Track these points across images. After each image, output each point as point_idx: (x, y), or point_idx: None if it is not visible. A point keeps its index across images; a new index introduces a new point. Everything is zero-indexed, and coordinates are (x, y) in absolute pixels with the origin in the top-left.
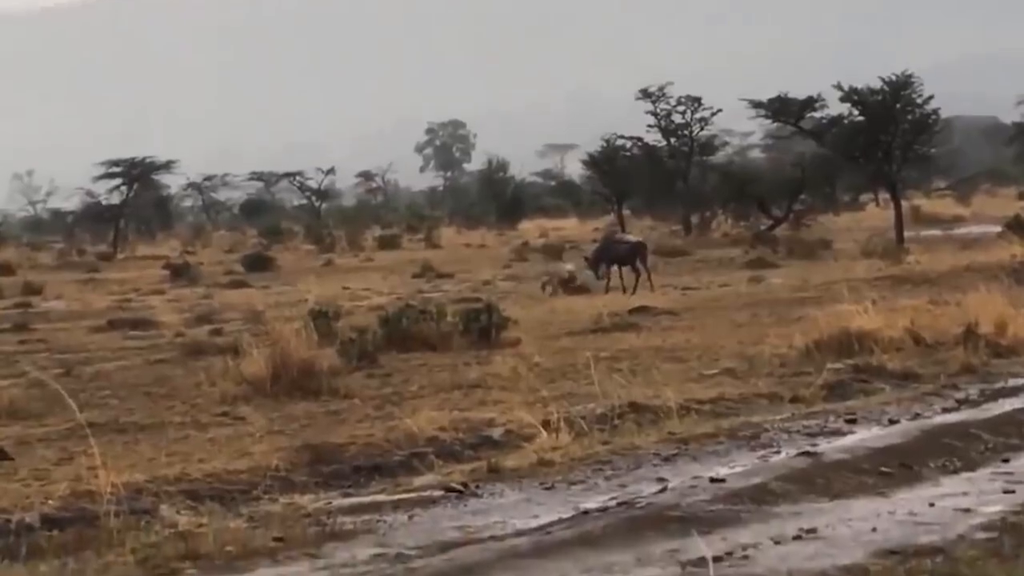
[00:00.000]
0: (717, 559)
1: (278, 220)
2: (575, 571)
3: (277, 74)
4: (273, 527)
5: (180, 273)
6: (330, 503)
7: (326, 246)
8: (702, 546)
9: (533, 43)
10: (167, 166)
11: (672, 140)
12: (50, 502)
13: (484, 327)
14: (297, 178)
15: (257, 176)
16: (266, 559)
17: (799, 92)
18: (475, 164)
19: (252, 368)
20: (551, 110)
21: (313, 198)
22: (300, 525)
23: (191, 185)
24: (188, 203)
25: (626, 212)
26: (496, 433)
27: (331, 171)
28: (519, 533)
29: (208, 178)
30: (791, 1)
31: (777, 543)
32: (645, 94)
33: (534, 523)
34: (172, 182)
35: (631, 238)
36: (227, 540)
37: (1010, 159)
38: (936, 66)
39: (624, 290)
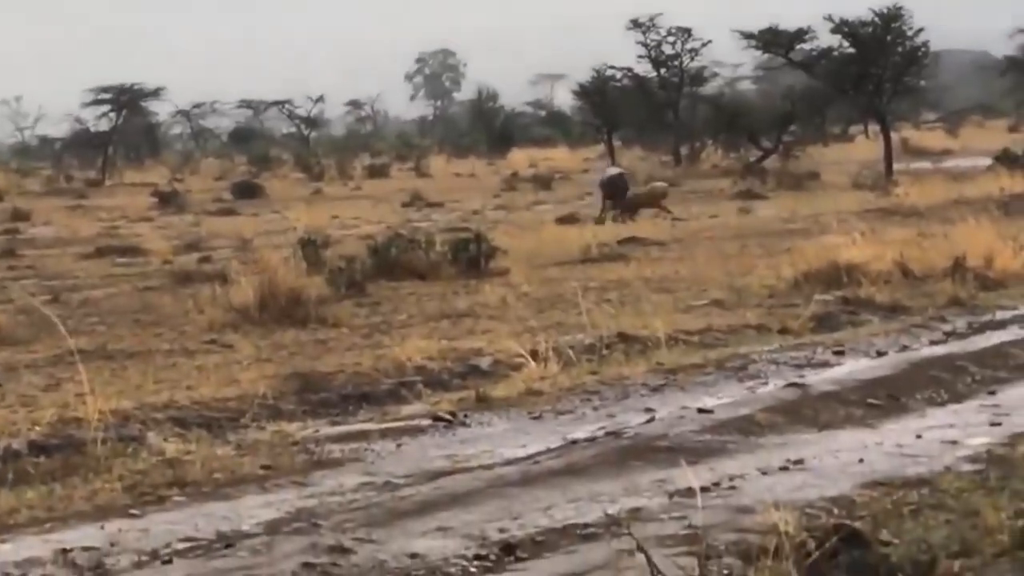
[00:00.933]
0: (704, 489)
1: (267, 148)
2: (562, 500)
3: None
4: (261, 455)
5: (168, 200)
6: (318, 431)
7: (315, 175)
8: (689, 476)
9: None
10: (156, 93)
11: (662, 71)
12: (37, 428)
13: (473, 256)
14: (286, 106)
15: (246, 104)
16: (254, 486)
17: (790, 23)
18: (465, 93)
19: (240, 296)
20: (542, 38)
21: (302, 126)
22: (288, 453)
23: (180, 112)
24: (177, 130)
25: (616, 143)
26: (484, 362)
27: (320, 99)
28: (507, 462)
29: (197, 105)
30: None
31: (764, 474)
32: (635, 24)
33: (522, 452)
34: (161, 109)
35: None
36: (215, 467)
37: (1000, 92)
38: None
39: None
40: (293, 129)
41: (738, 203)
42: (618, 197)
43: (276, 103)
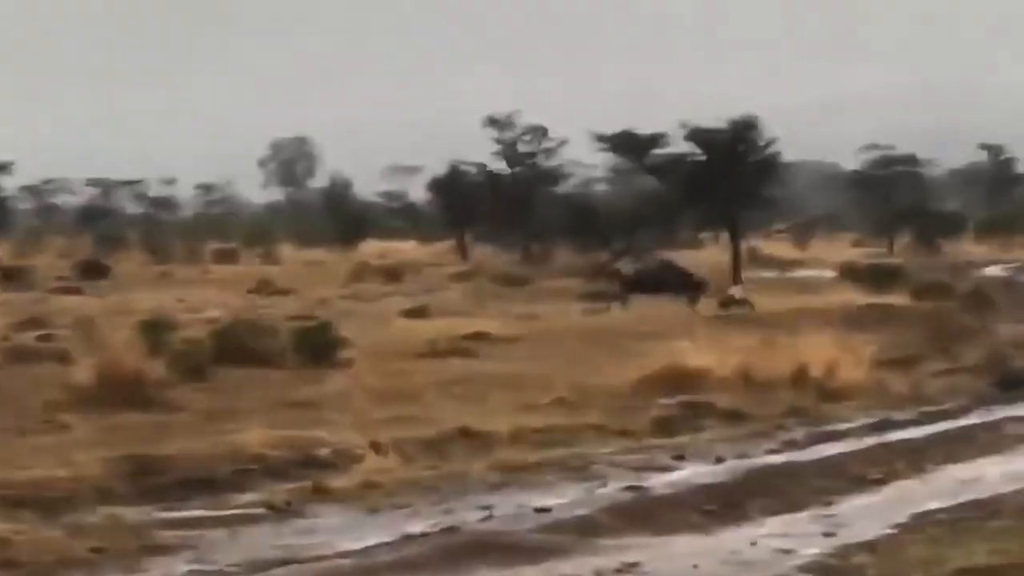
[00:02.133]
0: None
1: (116, 228)
2: None
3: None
4: (92, 537)
5: (12, 277)
6: (152, 516)
7: (163, 257)
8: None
9: (385, 62)
10: (4, 168)
11: (517, 169)
12: None
13: (318, 346)
14: (137, 187)
15: (96, 183)
16: (82, 570)
17: (647, 128)
18: (320, 181)
19: (80, 376)
20: (400, 132)
21: (153, 208)
22: (120, 537)
23: (28, 188)
24: (24, 206)
25: (468, 238)
26: (324, 453)
27: (172, 181)
28: (341, 555)
29: (46, 182)
30: (637, 40)
31: (599, 575)
32: (492, 121)
33: (357, 545)
34: (8, 184)
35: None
36: (44, 549)
37: (848, 205)
38: (779, 110)
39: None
40: (143, 210)
41: (587, 304)
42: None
43: (127, 183)
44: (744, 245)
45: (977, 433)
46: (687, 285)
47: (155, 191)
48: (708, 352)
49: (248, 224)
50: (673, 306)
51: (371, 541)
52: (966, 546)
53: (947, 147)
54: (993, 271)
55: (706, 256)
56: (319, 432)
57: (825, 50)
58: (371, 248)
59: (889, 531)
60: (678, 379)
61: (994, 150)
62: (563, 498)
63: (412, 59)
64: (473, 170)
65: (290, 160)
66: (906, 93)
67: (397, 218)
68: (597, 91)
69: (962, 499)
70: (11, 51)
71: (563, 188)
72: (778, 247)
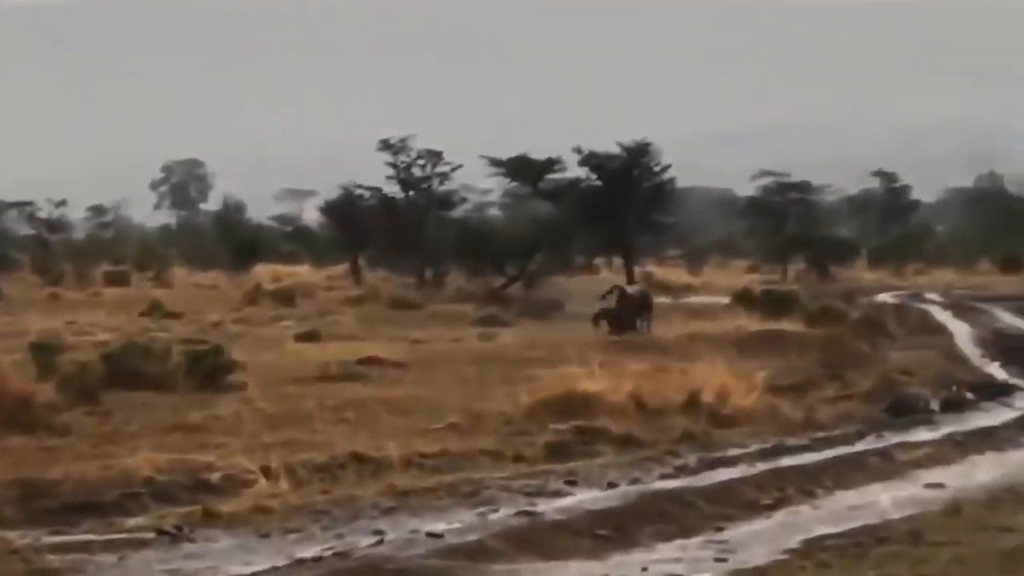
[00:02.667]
0: None
1: (5, 250)
2: None
3: (12, 99)
4: None
5: None
6: (38, 540)
7: (53, 279)
8: None
9: (279, 86)
10: None
11: (411, 193)
12: None
13: (209, 370)
14: (27, 208)
15: None
16: None
17: (540, 153)
18: (212, 204)
19: None
20: (294, 155)
21: (43, 229)
22: (6, 561)
23: None
24: None
25: (361, 262)
26: (214, 477)
27: (62, 203)
28: None
29: None
30: (534, 66)
31: None
32: (386, 145)
33: (247, 570)
34: None
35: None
36: None
37: (742, 232)
38: (674, 139)
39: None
40: (33, 231)
41: (480, 328)
42: (627, 313)
43: (16, 204)
44: (638, 270)
45: (868, 459)
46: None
47: (45, 212)
48: (601, 377)
49: (139, 246)
50: (563, 330)
51: (261, 566)
52: (855, 571)
53: (840, 177)
54: (885, 297)
55: (601, 281)
56: (210, 456)
57: (723, 82)
58: (264, 272)
59: (780, 556)
60: (571, 404)
61: (887, 177)
62: (455, 523)
63: (308, 84)
64: (367, 194)
65: (182, 182)
66: (798, 126)
67: (290, 242)
68: (492, 117)
69: (852, 525)
70: None
71: (457, 212)
72: (672, 273)
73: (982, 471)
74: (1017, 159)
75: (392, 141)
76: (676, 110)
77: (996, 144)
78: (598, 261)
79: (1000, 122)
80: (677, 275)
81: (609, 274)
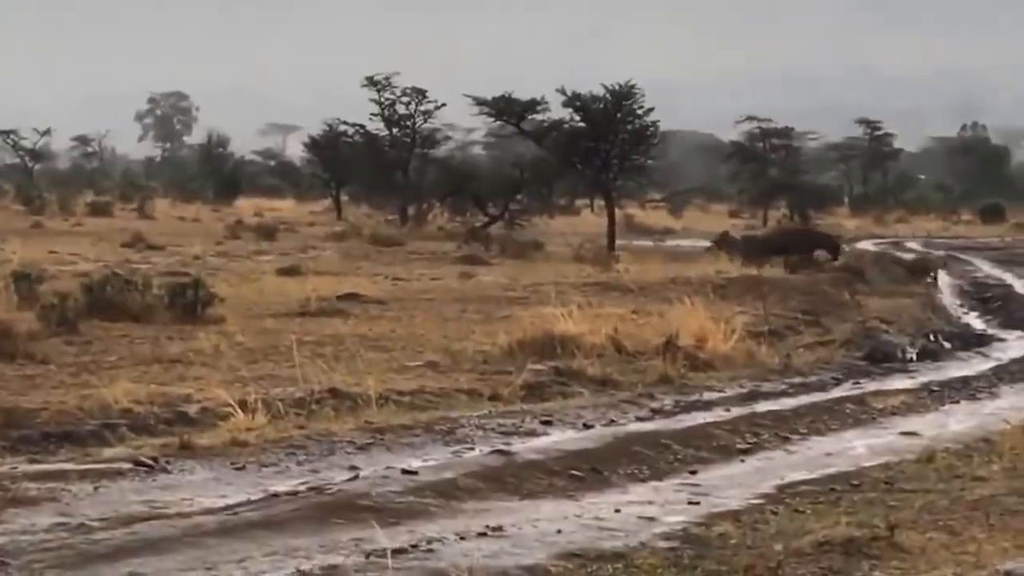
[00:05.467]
0: (402, 551)
1: None
2: (259, 553)
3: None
4: None
5: None
6: (16, 468)
7: (36, 208)
8: (382, 538)
9: (263, 24)
10: None
11: (394, 130)
12: None
13: (190, 302)
14: (11, 136)
15: None
16: None
17: (525, 94)
18: (196, 138)
19: None
20: (279, 90)
21: (26, 158)
22: None
23: None
24: None
25: (344, 198)
26: (192, 409)
27: (47, 132)
28: (206, 511)
29: None
30: (522, 6)
31: (462, 539)
32: (371, 82)
33: (222, 502)
34: None
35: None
36: None
37: (724, 176)
38: (659, 83)
39: None
40: (17, 160)
41: (461, 267)
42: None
43: (0, 132)
44: (620, 213)
45: (844, 406)
46: (823, 246)
47: (30, 142)
48: (580, 319)
49: (123, 177)
50: (544, 271)
51: (236, 498)
52: (827, 517)
53: (824, 124)
54: (866, 245)
55: (582, 223)
56: (187, 388)
57: (711, 27)
58: (247, 206)
59: (753, 501)
60: (549, 345)
61: (870, 125)
62: (430, 460)
63: (294, 19)
64: (351, 130)
65: (167, 115)
66: (784, 73)
67: (274, 176)
68: (478, 57)
69: (826, 471)
70: None
71: (441, 151)
72: (654, 216)
73: (956, 420)
74: (1001, 110)
75: (377, 78)
76: (661, 53)
77: (980, 94)
78: (580, 202)
79: (985, 73)
80: (659, 218)
81: (591, 216)
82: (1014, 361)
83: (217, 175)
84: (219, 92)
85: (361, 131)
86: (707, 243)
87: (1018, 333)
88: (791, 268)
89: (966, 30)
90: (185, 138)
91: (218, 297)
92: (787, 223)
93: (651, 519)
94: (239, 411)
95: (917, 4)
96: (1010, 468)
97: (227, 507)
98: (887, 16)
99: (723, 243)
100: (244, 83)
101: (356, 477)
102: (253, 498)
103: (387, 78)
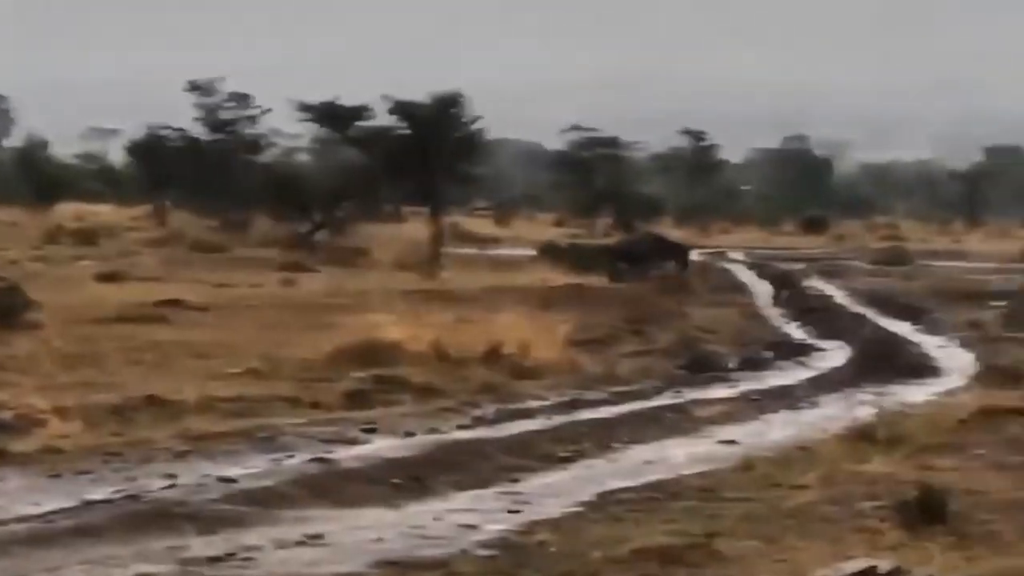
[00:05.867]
0: (218, 559)
1: None
2: (72, 562)
3: None
4: None
5: None
6: None
7: None
8: (198, 546)
9: (90, 24)
10: None
11: (218, 135)
12: None
13: (6, 307)
14: None
15: None
16: None
17: (357, 101)
18: (14, 140)
19: None
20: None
21: None
22: None
23: None
24: None
25: (167, 204)
26: (6, 416)
27: None
28: (19, 519)
29: None
30: (351, 11)
31: (281, 547)
32: (194, 87)
33: (35, 511)
34: None
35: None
36: None
37: (550, 185)
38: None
39: None
40: None
41: (285, 274)
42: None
43: None
44: (447, 221)
45: (665, 414)
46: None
47: None
48: (404, 326)
49: None
50: (369, 278)
51: (51, 506)
52: (646, 526)
53: (650, 134)
54: (690, 255)
55: (408, 231)
56: (2, 395)
57: (537, 35)
58: (66, 210)
59: (573, 509)
60: (372, 352)
61: (694, 136)
62: (249, 468)
63: (118, 20)
64: (173, 135)
65: None
66: (611, 82)
67: (95, 180)
68: (303, 63)
69: (647, 479)
70: None
71: (265, 157)
72: (480, 224)
73: (776, 429)
74: (823, 122)
75: (200, 83)
76: (489, 62)
77: (804, 106)
78: (407, 210)
79: (807, 85)
80: (484, 226)
81: (417, 223)
82: (833, 370)
83: (36, 178)
84: (39, 93)
85: (184, 136)
86: (532, 252)
87: (837, 343)
88: (614, 277)
89: (791, 42)
90: (3, 140)
91: (35, 303)
92: (642, 232)
93: (471, 527)
94: (55, 418)
95: (742, 16)
96: (827, 477)
97: (41, 515)
98: (714, 28)
99: (551, 252)
100: (65, 84)
101: (173, 485)
102: (67, 506)
103: (211, 83)
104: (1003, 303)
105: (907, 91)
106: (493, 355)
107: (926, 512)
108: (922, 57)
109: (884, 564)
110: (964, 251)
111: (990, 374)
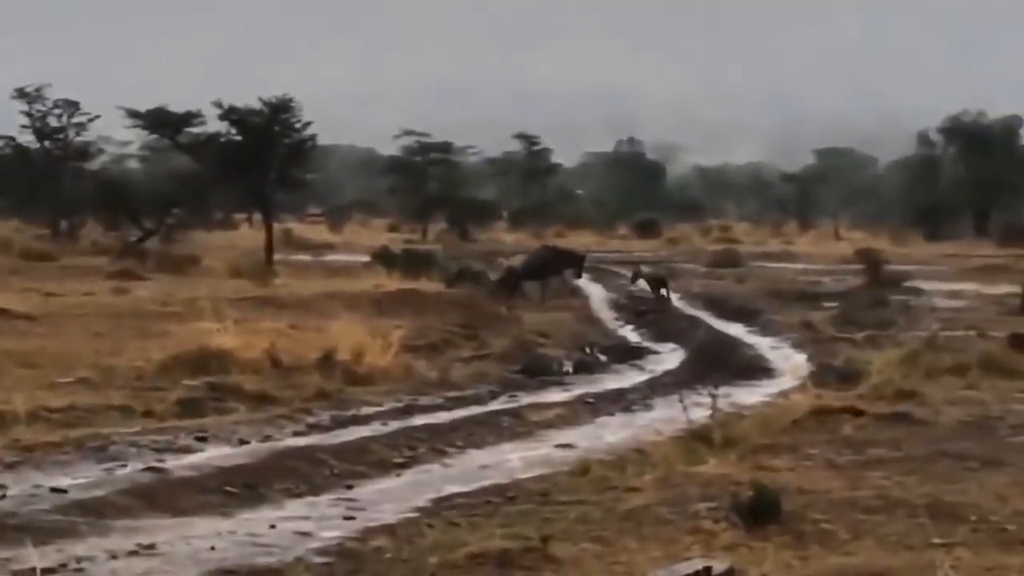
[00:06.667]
0: (50, 571)
1: None
2: None
3: None
4: None
5: None
6: None
7: None
8: (31, 557)
9: None
10: None
11: (46, 143)
12: None
13: None
14: None
15: None
16: None
17: (190, 107)
18: None
19: None
20: None
21: None
22: None
23: None
24: None
25: None
26: None
27: None
28: None
29: None
30: (184, 17)
31: (113, 557)
32: (21, 94)
33: None
34: None
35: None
36: None
37: (383, 191)
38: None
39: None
40: None
41: (115, 282)
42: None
43: None
44: (279, 227)
45: (500, 419)
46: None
47: None
48: (236, 334)
49: None
50: (200, 285)
51: None
52: (482, 530)
53: (483, 139)
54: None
55: (240, 237)
56: None
57: (368, 41)
58: None
59: (409, 515)
60: (205, 360)
61: (528, 140)
62: (80, 478)
63: None
64: (0, 143)
65: None
66: (445, 88)
67: None
68: (134, 68)
69: (482, 483)
70: None
71: (95, 164)
72: (313, 230)
73: (611, 432)
74: (655, 125)
75: (27, 90)
76: (322, 67)
77: (634, 110)
78: (238, 216)
79: (638, 88)
80: (318, 232)
81: (249, 230)
82: (667, 373)
83: None
84: None
85: (11, 143)
86: (366, 258)
87: (671, 345)
88: (449, 282)
89: (619, 45)
90: None
91: None
92: (543, 243)
93: (306, 534)
94: None
95: (570, 19)
96: (662, 479)
97: None
98: (541, 31)
99: (384, 257)
100: None
101: (3, 496)
102: None
103: (37, 90)
104: (834, 304)
105: (739, 95)
106: (327, 362)
107: (760, 512)
108: (749, 61)
109: (719, 564)
110: (796, 253)
111: (822, 374)
